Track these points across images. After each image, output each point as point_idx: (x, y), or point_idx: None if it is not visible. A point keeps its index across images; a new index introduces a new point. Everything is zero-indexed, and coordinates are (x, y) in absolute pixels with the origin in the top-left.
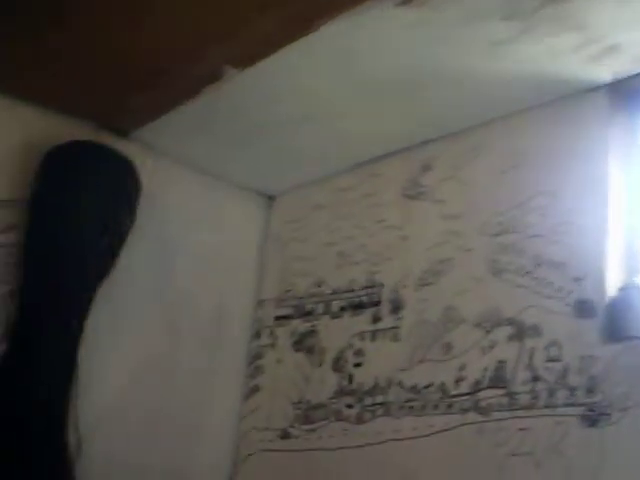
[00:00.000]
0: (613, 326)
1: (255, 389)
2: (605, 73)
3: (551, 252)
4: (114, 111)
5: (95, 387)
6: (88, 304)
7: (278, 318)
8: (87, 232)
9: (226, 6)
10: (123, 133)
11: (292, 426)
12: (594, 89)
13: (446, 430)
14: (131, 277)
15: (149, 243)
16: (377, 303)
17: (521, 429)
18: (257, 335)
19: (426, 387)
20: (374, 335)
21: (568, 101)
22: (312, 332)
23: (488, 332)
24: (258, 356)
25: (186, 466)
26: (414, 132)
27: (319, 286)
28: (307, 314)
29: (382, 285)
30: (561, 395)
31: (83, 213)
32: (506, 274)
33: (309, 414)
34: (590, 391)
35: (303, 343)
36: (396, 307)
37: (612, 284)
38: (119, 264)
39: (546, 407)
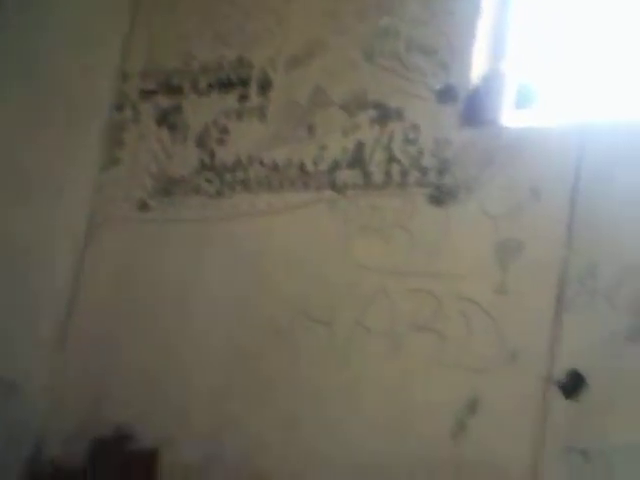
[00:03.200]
0: (472, 111)
1: (115, 161)
2: None
3: (424, 37)
4: None
5: None
6: None
7: (143, 92)
8: None
9: None
10: None
11: (151, 198)
12: None
13: (301, 206)
14: None
15: (14, 17)
16: (246, 82)
17: (372, 207)
18: (120, 108)
19: (285, 165)
20: (240, 114)
21: None
22: (177, 108)
23: (353, 115)
24: (119, 129)
25: (44, 227)
26: None
27: (188, 63)
28: (173, 90)
29: (252, 65)
30: (413, 176)
31: None
32: (378, 58)
33: (169, 187)
34: (441, 173)
35: (167, 119)
36: (264, 87)
37: (477, 72)
38: None
39: (398, 187)
